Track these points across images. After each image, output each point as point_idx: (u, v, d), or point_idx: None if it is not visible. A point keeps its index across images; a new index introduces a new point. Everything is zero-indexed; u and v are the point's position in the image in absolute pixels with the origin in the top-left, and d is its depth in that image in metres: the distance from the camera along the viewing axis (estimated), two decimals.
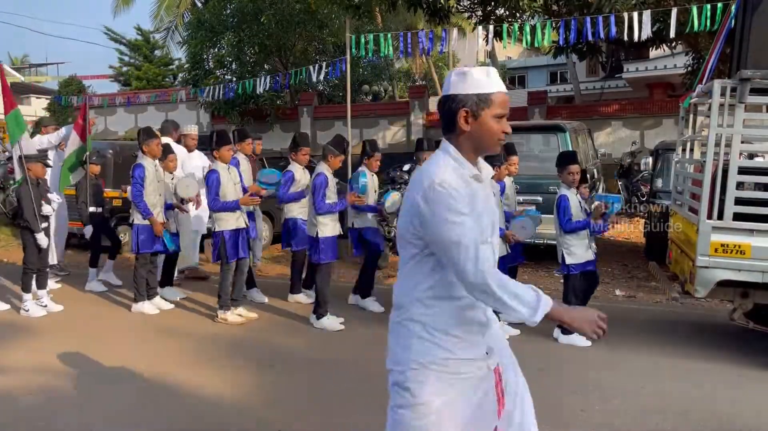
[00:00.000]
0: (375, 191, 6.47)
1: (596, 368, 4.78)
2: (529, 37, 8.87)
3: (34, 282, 6.11)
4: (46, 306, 6.11)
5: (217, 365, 4.77)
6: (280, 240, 9.24)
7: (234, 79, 15.53)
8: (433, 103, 18.42)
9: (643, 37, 8.32)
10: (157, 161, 6.23)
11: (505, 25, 9.17)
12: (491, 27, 9.45)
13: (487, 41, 9.53)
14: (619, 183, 12.53)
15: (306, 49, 16.46)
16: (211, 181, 5.75)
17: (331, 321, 5.77)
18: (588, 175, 6.01)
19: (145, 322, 5.98)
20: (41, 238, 5.99)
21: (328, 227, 5.78)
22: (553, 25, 9.35)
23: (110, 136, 19.07)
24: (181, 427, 3.71)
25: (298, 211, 6.52)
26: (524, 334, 5.58)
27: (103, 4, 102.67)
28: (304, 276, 6.86)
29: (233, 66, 16.30)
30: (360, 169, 6.48)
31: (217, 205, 5.78)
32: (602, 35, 8.60)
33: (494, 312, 2.14)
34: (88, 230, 6.98)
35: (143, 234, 6.05)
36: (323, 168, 5.82)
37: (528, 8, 9.06)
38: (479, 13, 11.52)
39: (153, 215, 6.05)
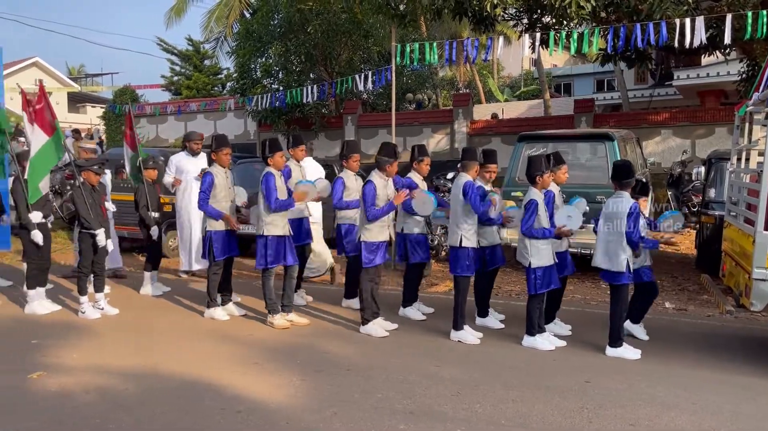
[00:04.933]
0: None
1: (646, 382, 4.67)
2: (576, 45, 8.77)
3: (91, 285, 6.32)
4: (102, 308, 6.32)
5: (264, 369, 4.86)
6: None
7: (281, 88, 15.80)
8: (477, 111, 18.38)
9: (696, 43, 8.13)
10: (226, 169, 6.36)
11: (552, 33, 9.09)
12: (538, 35, 9.37)
13: (533, 49, 9.45)
14: (669, 193, 12.22)
15: (351, 58, 16.63)
16: (268, 185, 5.86)
17: (377, 328, 5.80)
18: (649, 188, 5.90)
19: (197, 326, 6.12)
20: (101, 238, 6.20)
21: (373, 232, 5.82)
22: (602, 32, 9.23)
23: (161, 144, 19.62)
24: (227, 430, 3.78)
25: (350, 217, 6.59)
26: (570, 347, 5.51)
27: (157, 15, 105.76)
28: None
29: (280, 75, 16.59)
30: (409, 174, 6.50)
31: (278, 204, 5.86)
32: (653, 42, 8.43)
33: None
34: (155, 231, 7.19)
35: (218, 243, 6.18)
36: (374, 176, 5.85)
37: (576, 15, 8.94)
38: (525, 20, 11.43)
39: (225, 214, 6.18)
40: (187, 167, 7.80)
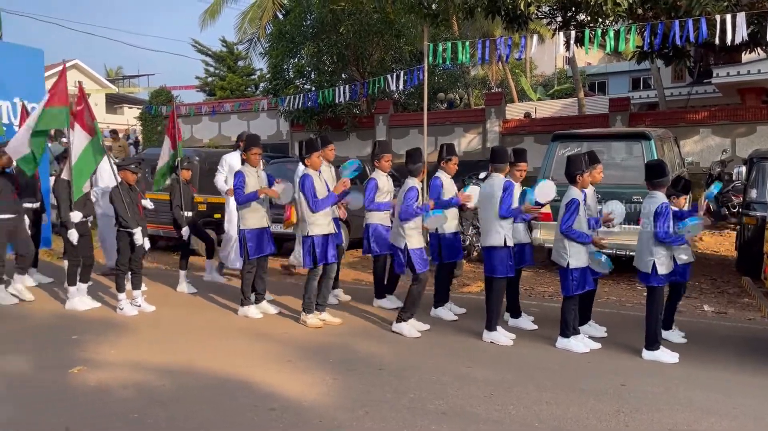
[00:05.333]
0: (455, 194, 6.46)
1: (684, 385, 4.57)
2: (612, 43, 8.63)
3: (128, 283, 6.46)
4: (139, 306, 6.45)
5: (297, 367, 4.89)
6: (356, 247, 9.40)
7: (313, 88, 15.90)
8: (509, 111, 18.21)
9: (738, 40, 7.93)
10: (257, 168, 6.40)
11: (587, 31, 8.96)
12: (573, 33, 9.25)
13: (567, 47, 9.33)
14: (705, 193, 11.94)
15: (383, 57, 16.65)
16: (307, 186, 5.89)
17: (409, 328, 5.79)
18: (690, 186, 5.77)
19: (231, 323, 6.20)
20: (138, 236, 6.33)
21: (416, 239, 5.81)
22: (638, 29, 9.06)
23: (195, 144, 19.92)
24: (258, 428, 3.82)
25: (379, 217, 6.61)
26: (605, 349, 5.42)
27: (192, 18, 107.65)
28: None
29: (312, 76, 16.70)
30: (437, 173, 6.49)
31: (319, 204, 5.90)
32: (692, 39, 8.25)
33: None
34: (186, 232, 7.30)
35: (252, 242, 6.23)
36: (413, 182, 5.83)
37: (612, 13, 8.80)
38: (559, 18, 11.30)
39: (257, 194, 6.16)
40: (239, 166, 7.76)
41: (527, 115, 19.04)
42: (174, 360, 5.02)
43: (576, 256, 5.28)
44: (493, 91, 24.01)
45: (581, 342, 5.40)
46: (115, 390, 4.35)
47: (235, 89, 25.48)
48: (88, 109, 6.60)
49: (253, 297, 6.47)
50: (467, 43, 9.45)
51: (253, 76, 27.12)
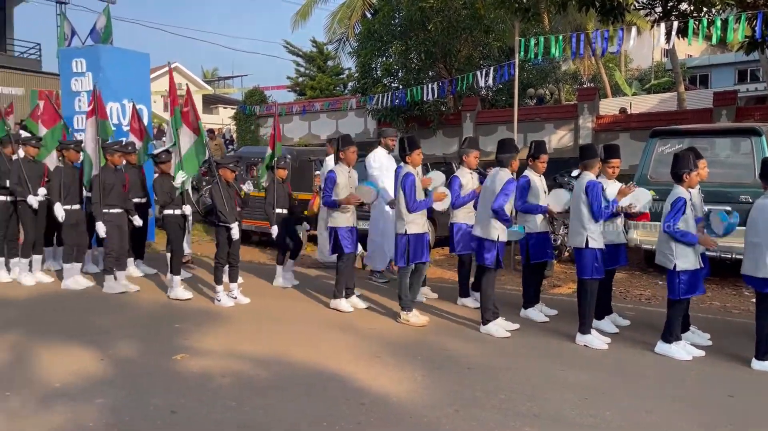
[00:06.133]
0: (544, 192, 6.32)
1: None
2: (719, 33, 8.13)
3: (226, 275, 6.74)
4: (235, 298, 6.72)
5: (386, 362, 4.94)
6: (440, 245, 9.38)
7: (400, 86, 15.97)
8: (603, 106, 17.55)
9: None
10: (350, 168, 6.55)
11: (691, 21, 8.49)
12: (675, 23, 8.78)
13: (668, 39, 8.87)
14: None
15: (471, 54, 16.46)
16: (408, 184, 5.93)
17: (497, 328, 5.72)
18: None
19: (322, 316, 6.34)
20: (235, 231, 6.59)
21: (498, 231, 5.73)
22: (748, 18, 8.48)
23: (286, 143, 20.47)
24: (350, 421, 3.89)
25: (464, 215, 6.56)
26: (710, 357, 5.13)
27: (284, 19, 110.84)
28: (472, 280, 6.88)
29: (399, 74, 16.77)
30: (525, 171, 6.36)
31: (418, 205, 5.94)
32: None
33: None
34: (275, 230, 7.54)
35: (344, 238, 6.37)
36: (506, 174, 5.74)
37: (719, 1, 8.28)
38: (659, 9, 10.76)
39: (341, 199, 6.32)
40: (385, 164, 7.71)
41: (623, 110, 18.28)
42: (269, 350, 5.20)
43: (683, 258, 5.01)
44: (585, 86, 23.22)
45: (683, 349, 5.13)
46: (215, 378, 4.55)
47: (325, 89, 26.01)
48: (193, 109, 6.96)
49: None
50: (560, 37, 9.19)
51: (341, 76, 27.58)
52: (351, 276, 6.64)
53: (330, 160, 8.29)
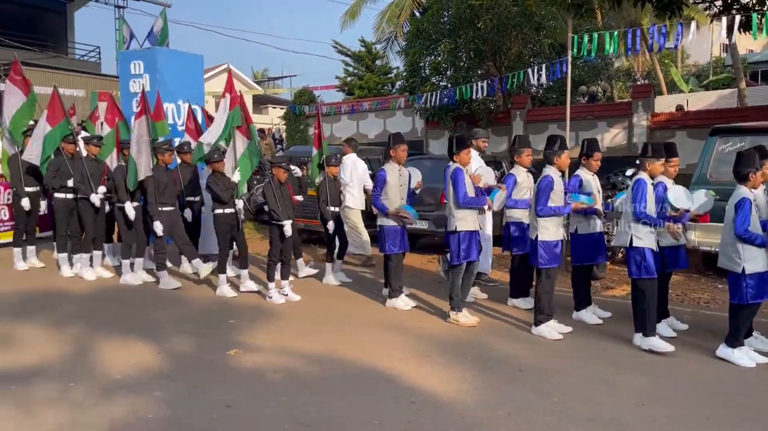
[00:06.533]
0: (598, 192, 6.18)
1: None
2: None
3: (278, 273, 6.84)
4: (286, 295, 6.81)
5: (436, 362, 4.93)
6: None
7: (449, 84, 15.88)
8: (659, 104, 17.04)
9: None
10: (400, 166, 6.57)
11: (755, 15, 8.16)
12: (737, 17, 8.45)
13: (730, 33, 8.55)
14: None
15: (521, 51, 16.24)
16: (459, 181, 5.89)
17: (550, 330, 5.62)
18: None
19: (372, 315, 6.37)
20: (287, 229, 6.68)
21: (550, 231, 5.65)
22: None
23: (334, 142, 20.63)
24: (400, 420, 3.89)
25: (520, 214, 6.48)
26: None
27: (333, 19, 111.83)
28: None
29: (448, 72, 16.67)
30: (578, 171, 6.24)
31: (466, 201, 5.89)
32: None
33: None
34: (331, 226, 7.61)
35: (391, 237, 6.41)
36: (551, 171, 5.69)
37: None
38: (719, 2, 10.37)
39: (390, 210, 6.38)
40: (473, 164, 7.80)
41: (679, 107, 17.71)
42: (319, 347, 5.24)
43: (752, 261, 4.82)
44: (638, 83, 22.61)
45: (746, 355, 4.94)
46: (268, 373, 4.63)
47: (372, 88, 26.09)
48: (245, 112, 7.11)
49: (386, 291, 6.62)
50: (615, 34, 8.96)
51: (389, 75, 27.62)
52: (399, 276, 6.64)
53: (348, 160, 8.39)
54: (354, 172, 8.39)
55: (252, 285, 7.13)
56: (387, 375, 4.62)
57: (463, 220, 5.92)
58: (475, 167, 6.62)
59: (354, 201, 8.39)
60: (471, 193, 5.94)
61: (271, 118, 34.65)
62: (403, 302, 6.52)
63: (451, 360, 4.98)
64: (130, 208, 7.27)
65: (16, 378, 4.43)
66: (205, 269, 7.18)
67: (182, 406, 4.00)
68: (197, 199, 8.17)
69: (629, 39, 9.40)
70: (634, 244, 5.26)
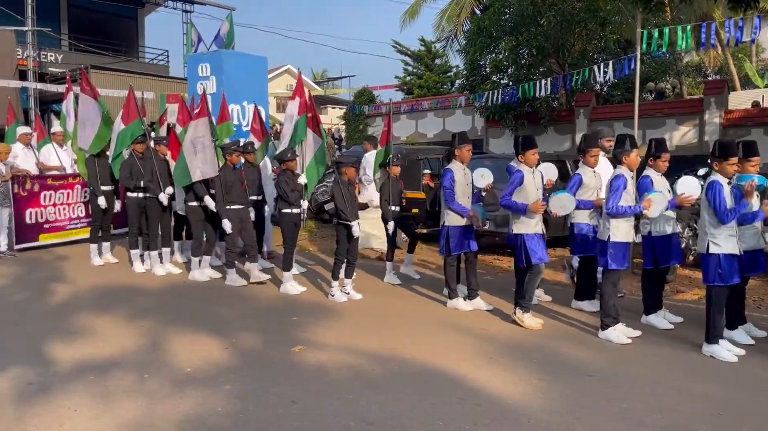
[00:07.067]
0: (669, 192, 5.96)
1: None
2: None
3: (342, 271, 6.91)
4: (348, 293, 6.87)
5: (499, 364, 4.86)
6: (552, 245, 9.08)
7: (510, 83, 15.67)
8: (732, 100, 16.31)
9: None
10: (465, 165, 6.51)
11: None
12: None
13: None
14: None
15: (585, 48, 15.85)
16: (514, 177, 5.83)
17: (617, 334, 5.47)
18: None
19: (432, 314, 6.36)
20: (355, 229, 6.73)
21: (621, 231, 5.48)
22: None
23: (394, 141, 20.70)
24: (465, 421, 3.86)
25: (584, 215, 6.33)
26: None
27: (392, 19, 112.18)
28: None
29: (509, 70, 16.46)
30: (646, 171, 6.03)
31: (510, 203, 5.82)
32: None
33: None
34: (391, 226, 7.63)
35: (454, 237, 6.35)
36: (623, 170, 5.53)
37: None
38: None
39: (470, 211, 6.28)
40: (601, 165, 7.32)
41: (755, 104, 16.89)
42: (381, 346, 5.26)
43: None
44: (710, 78, 21.69)
45: None
46: (331, 371, 4.68)
47: (432, 87, 26.04)
48: (314, 113, 7.24)
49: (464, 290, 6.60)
50: (688, 28, 8.63)
51: (449, 74, 27.50)
52: (474, 276, 6.60)
53: (370, 157, 8.39)
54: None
55: (290, 288, 7.18)
56: (449, 376, 4.60)
57: (524, 224, 5.86)
58: (602, 168, 6.49)
59: (376, 197, 8.37)
60: (531, 194, 5.83)
61: (331, 118, 35.04)
62: (465, 303, 6.47)
63: (515, 363, 4.90)
64: (210, 202, 7.49)
65: (95, 368, 4.64)
66: (258, 277, 7.39)
67: (250, 401, 4.09)
68: (260, 198, 8.34)
69: (702, 33, 9.03)
70: (711, 251, 5.06)
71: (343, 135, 23.09)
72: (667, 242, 5.89)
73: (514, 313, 5.95)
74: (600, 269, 6.03)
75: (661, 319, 5.98)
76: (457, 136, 6.58)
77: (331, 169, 7.36)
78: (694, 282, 7.67)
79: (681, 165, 10.97)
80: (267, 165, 8.93)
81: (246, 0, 43.96)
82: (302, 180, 7.17)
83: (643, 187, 5.91)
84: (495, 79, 16.43)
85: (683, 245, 8.55)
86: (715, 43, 11.54)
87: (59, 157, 10.06)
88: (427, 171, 10.60)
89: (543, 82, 12.80)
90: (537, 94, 13.24)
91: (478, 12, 19.61)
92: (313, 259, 9.19)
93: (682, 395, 4.29)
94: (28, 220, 9.26)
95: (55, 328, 5.60)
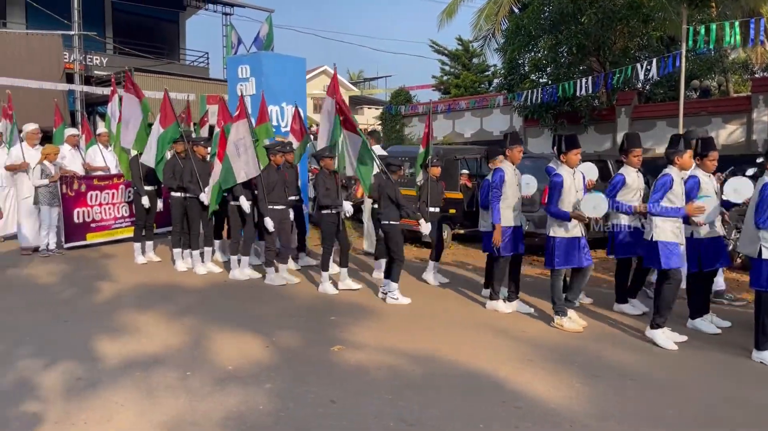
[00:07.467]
0: (716, 194, 5.79)
1: None
2: None
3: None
4: (396, 299, 6.76)
5: (540, 367, 4.80)
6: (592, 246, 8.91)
7: (549, 81, 15.46)
8: None
9: None
10: (515, 166, 6.42)
11: None
12: None
13: None
14: None
15: (626, 46, 15.54)
16: (553, 184, 5.76)
17: (664, 338, 5.33)
18: None
19: (472, 316, 6.31)
20: (425, 228, 6.78)
21: (666, 231, 5.35)
22: None
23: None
24: (507, 423, 3.82)
25: (625, 217, 6.20)
26: None
27: (429, 18, 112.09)
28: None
29: (548, 69, 16.25)
30: (692, 171, 5.86)
31: (553, 211, 5.75)
32: None
33: None
34: (427, 227, 7.54)
35: (504, 239, 6.27)
36: (671, 170, 5.40)
37: None
38: None
39: (499, 221, 6.17)
40: None
41: None
42: (420, 347, 5.25)
43: None
44: (757, 75, 20.99)
45: None
46: (371, 371, 4.68)
47: (469, 86, 25.89)
48: (346, 113, 7.26)
49: (505, 292, 6.55)
50: (736, 24, 8.38)
51: (486, 73, 27.30)
52: (516, 279, 6.52)
53: (378, 151, 8.32)
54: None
55: (351, 284, 7.24)
56: (490, 378, 4.56)
57: (558, 227, 5.78)
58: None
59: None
60: (570, 200, 5.74)
61: (367, 119, 35.14)
62: (505, 305, 6.41)
63: (556, 366, 4.83)
64: (245, 203, 7.59)
65: (140, 364, 4.75)
66: (278, 279, 7.46)
67: (290, 399, 4.13)
68: (297, 198, 8.42)
69: (750, 29, 8.77)
70: (764, 256, 4.89)
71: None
72: (714, 244, 5.72)
73: (553, 320, 5.87)
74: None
75: (708, 323, 5.81)
76: (509, 136, 6.46)
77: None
78: (742, 285, 7.44)
79: (727, 165, 10.67)
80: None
81: (285, 2, 44.40)
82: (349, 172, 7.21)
83: (689, 188, 5.75)
84: (534, 77, 16.24)
85: (730, 248, 8.30)
86: (764, 39, 11.19)
87: (104, 158, 10.35)
88: (465, 171, 10.53)
89: (583, 80, 12.61)
90: (577, 93, 13.04)
91: (516, 10, 19.41)
92: (352, 260, 9.20)
93: (731, 402, 4.17)
94: (76, 220, 9.53)
95: (102, 325, 5.75)
